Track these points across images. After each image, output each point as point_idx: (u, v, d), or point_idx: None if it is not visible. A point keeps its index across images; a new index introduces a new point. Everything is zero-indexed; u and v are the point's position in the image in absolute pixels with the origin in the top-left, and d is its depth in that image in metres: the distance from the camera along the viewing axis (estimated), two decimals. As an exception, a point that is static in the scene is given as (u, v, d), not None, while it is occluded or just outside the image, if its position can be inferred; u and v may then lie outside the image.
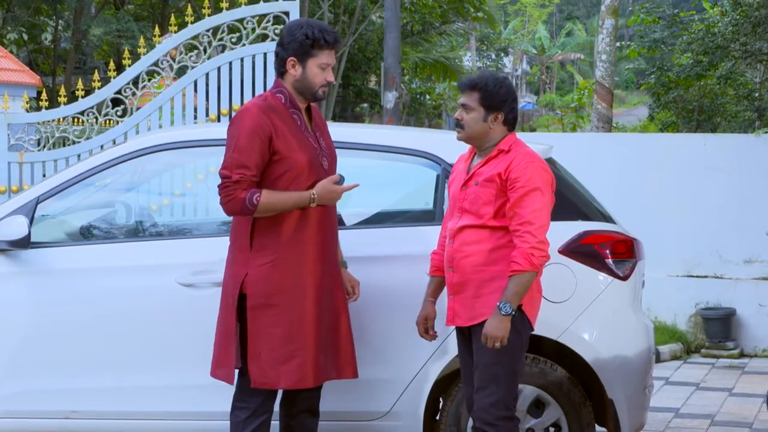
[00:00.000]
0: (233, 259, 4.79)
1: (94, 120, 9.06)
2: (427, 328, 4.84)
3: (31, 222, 5.24)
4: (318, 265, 4.74)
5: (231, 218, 5.41)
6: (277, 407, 4.87)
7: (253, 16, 9.00)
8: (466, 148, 4.86)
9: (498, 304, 4.46)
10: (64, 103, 9.15)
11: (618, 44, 18.10)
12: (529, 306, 4.59)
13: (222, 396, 4.99)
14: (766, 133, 11.42)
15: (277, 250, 4.69)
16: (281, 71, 4.79)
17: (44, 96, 9.38)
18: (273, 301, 4.68)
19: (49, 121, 9.40)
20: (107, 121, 10.21)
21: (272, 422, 4.84)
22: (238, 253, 4.76)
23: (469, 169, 4.73)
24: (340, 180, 4.73)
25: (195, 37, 9.03)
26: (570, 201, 5.27)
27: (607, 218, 5.43)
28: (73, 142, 9.12)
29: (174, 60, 8.99)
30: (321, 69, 4.74)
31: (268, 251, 4.69)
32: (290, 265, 4.70)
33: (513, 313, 4.46)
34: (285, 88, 4.78)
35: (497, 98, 4.63)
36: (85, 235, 5.62)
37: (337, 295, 4.86)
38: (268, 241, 4.70)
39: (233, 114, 8.85)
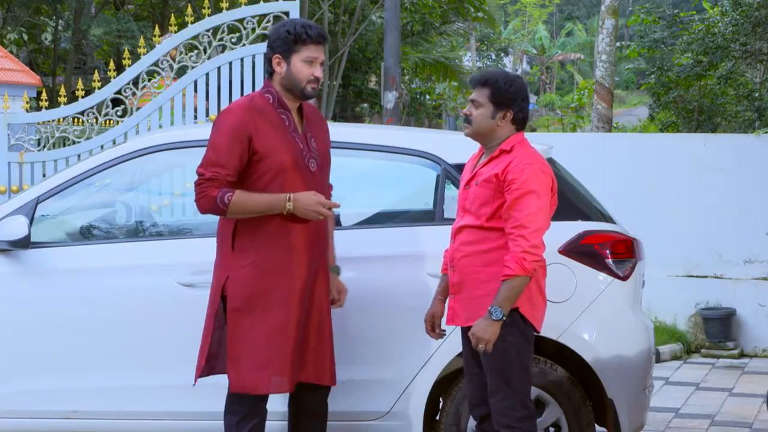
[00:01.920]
0: (218, 261, 4.78)
1: (94, 120, 9.07)
2: (433, 326, 4.81)
3: (31, 222, 5.24)
4: (300, 269, 4.69)
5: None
6: (284, 407, 4.89)
7: (253, 16, 9.00)
8: (465, 147, 4.84)
9: (489, 308, 4.43)
10: (64, 103, 9.15)
11: (618, 44, 18.08)
12: (529, 308, 4.55)
13: (221, 396, 4.99)
14: (766, 133, 11.42)
15: (258, 252, 4.66)
16: (270, 71, 4.77)
17: (44, 96, 9.38)
18: (252, 304, 4.65)
19: (49, 121, 9.40)
20: (107, 121, 10.21)
21: (278, 422, 4.85)
22: (222, 256, 4.75)
23: (474, 168, 4.71)
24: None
25: (195, 37, 9.03)
26: (570, 201, 5.26)
27: (607, 218, 5.43)
28: (73, 142, 9.12)
29: (174, 60, 8.99)
30: (306, 64, 4.69)
31: (248, 253, 4.67)
32: (270, 268, 4.66)
33: (504, 318, 4.42)
34: (273, 88, 4.75)
35: (507, 96, 4.58)
36: (85, 235, 5.62)
37: (323, 301, 4.81)
38: (248, 243, 4.67)
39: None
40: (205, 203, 4.62)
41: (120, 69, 9.15)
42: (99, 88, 9.10)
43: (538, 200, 4.47)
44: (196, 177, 4.65)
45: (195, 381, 4.78)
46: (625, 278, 5.24)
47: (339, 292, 4.94)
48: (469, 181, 4.68)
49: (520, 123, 4.65)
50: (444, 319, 4.80)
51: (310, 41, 4.69)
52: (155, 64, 8.99)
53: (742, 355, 10.63)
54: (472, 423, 5.01)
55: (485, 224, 4.55)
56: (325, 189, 4.83)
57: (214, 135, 4.64)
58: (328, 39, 4.81)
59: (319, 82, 4.74)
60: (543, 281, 4.64)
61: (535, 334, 4.66)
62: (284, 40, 4.69)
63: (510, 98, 4.58)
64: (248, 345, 4.65)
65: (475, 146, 4.79)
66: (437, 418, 5.41)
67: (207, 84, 8.98)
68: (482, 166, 4.64)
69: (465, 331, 4.71)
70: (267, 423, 4.79)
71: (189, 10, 9.45)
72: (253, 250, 4.67)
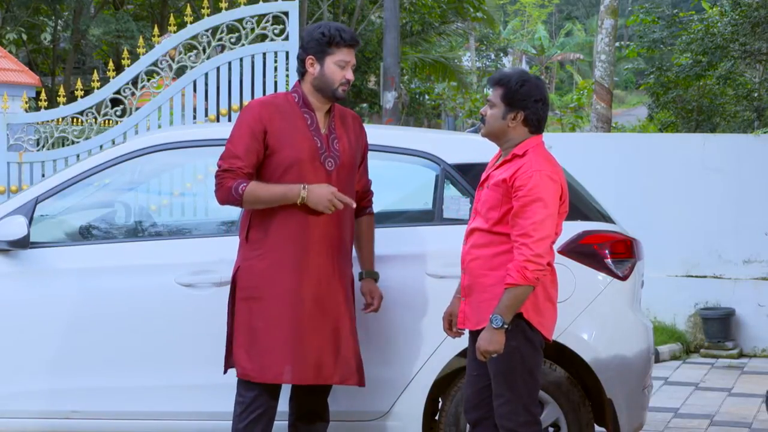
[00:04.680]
0: (237, 252, 4.88)
1: (93, 120, 9.06)
2: (451, 325, 4.76)
3: (30, 222, 5.24)
4: (309, 264, 4.75)
5: (230, 218, 5.42)
6: (284, 407, 4.92)
7: (252, 16, 8.99)
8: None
9: (490, 316, 4.39)
10: (63, 104, 9.15)
11: (617, 44, 18.09)
12: (534, 315, 4.48)
13: (221, 396, 5.00)
14: (765, 133, 11.43)
15: (264, 244, 4.76)
16: (302, 72, 4.86)
17: (43, 96, 9.36)
18: (256, 294, 4.75)
19: (48, 121, 9.40)
20: (106, 121, 10.21)
21: (279, 422, 4.87)
22: (239, 247, 4.87)
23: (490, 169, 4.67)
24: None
25: (194, 37, 9.03)
26: (569, 201, 5.24)
27: (607, 218, 5.42)
28: (72, 142, 9.11)
29: (173, 60, 8.99)
30: (339, 67, 4.80)
31: (257, 245, 4.78)
32: (277, 260, 4.74)
33: (505, 326, 4.37)
34: (300, 88, 4.86)
35: (517, 96, 4.48)
36: (85, 235, 5.62)
37: (339, 301, 4.83)
38: (258, 236, 4.78)
39: (233, 114, 8.89)
40: (222, 194, 4.75)
41: (119, 69, 9.15)
42: (98, 88, 9.09)
43: (545, 208, 4.39)
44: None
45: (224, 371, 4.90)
46: (624, 278, 5.23)
47: (373, 297, 4.97)
48: (482, 182, 4.64)
49: (534, 125, 4.53)
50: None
51: (344, 44, 4.80)
52: (154, 64, 8.98)
53: (741, 355, 10.64)
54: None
55: (492, 228, 4.50)
56: (347, 189, 4.84)
57: (234, 129, 4.81)
58: (360, 43, 4.91)
59: (350, 84, 4.84)
60: (552, 289, 4.57)
61: (544, 338, 4.57)
62: (318, 42, 4.79)
63: (520, 99, 4.49)
64: (250, 333, 4.74)
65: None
66: (436, 418, 5.41)
67: (206, 84, 8.97)
68: (495, 168, 4.58)
69: (473, 334, 4.65)
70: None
71: (188, 10, 9.44)
72: (260, 242, 4.77)
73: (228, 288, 4.95)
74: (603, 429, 5.40)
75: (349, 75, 4.83)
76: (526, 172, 4.42)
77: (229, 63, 8.99)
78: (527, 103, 4.50)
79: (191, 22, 9.01)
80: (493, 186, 4.52)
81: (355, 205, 4.77)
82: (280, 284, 4.74)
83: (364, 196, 5.06)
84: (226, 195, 4.72)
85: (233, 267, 4.86)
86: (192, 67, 8.96)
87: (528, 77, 4.55)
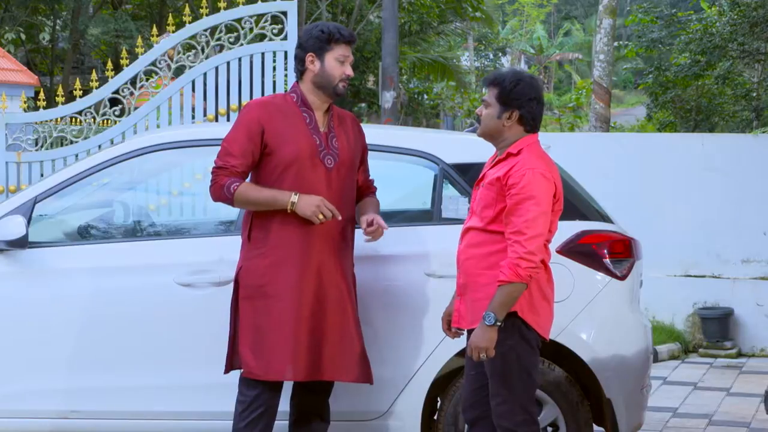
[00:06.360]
0: (240, 252, 4.90)
1: (92, 120, 9.04)
2: (450, 325, 4.76)
3: (28, 222, 5.24)
4: (310, 263, 4.77)
5: (229, 218, 5.42)
6: (285, 407, 4.92)
7: (251, 16, 8.98)
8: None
9: (483, 314, 4.40)
10: (62, 103, 9.13)
11: (616, 44, 18.10)
12: (530, 314, 4.48)
13: (221, 396, 5.00)
14: (763, 132, 11.44)
15: (266, 243, 4.79)
16: (301, 71, 4.89)
17: (42, 96, 9.34)
18: (258, 293, 4.77)
19: (46, 121, 9.38)
20: (105, 121, 10.19)
21: (279, 422, 4.88)
22: (241, 247, 4.89)
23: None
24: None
25: (193, 37, 9.02)
26: (568, 201, 5.24)
27: (605, 218, 5.43)
28: (71, 142, 9.10)
29: (172, 60, 8.98)
30: (339, 62, 4.85)
31: (258, 244, 4.81)
32: (279, 259, 4.76)
33: (498, 323, 4.37)
34: (299, 88, 4.90)
35: (512, 95, 4.50)
36: (83, 234, 5.62)
37: (339, 297, 4.84)
38: (259, 235, 4.81)
39: (232, 114, 8.89)
40: (214, 191, 4.81)
41: (118, 69, 9.14)
42: (97, 88, 9.07)
43: (537, 206, 4.40)
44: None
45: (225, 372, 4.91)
46: (623, 278, 5.24)
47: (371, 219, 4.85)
48: (478, 182, 4.65)
49: (530, 124, 4.54)
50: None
51: (343, 40, 4.86)
52: (153, 63, 8.97)
53: (739, 354, 10.65)
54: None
55: (487, 227, 4.51)
56: (347, 188, 4.88)
57: (231, 128, 4.86)
58: (356, 41, 4.94)
59: (349, 80, 4.89)
60: (548, 288, 4.57)
61: (541, 337, 4.57)
62: (318, 39, 4.85)
63: (514, 98, 4.50)
64: (255, 332, 4.75)
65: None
66: (435, 417, 5.41)
67: (205, 84, 8.97)
68: (491, 167, 4.59)
69: (470, 333, 4.63)
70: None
71: (187, 9, 9.43)
72: (262, 241, 4.80)
73: (227, 288, 4.96)
74: (602, 429, 5.41)
75: (349, 71, 4.88)
76: (519, 170, 4.44)
77: (228, 63, 8.97)
78: (522, 102, 4.52)
79: (190, 22, 9.00)
80: (487, 185, 4.54)
81: (340, 218, 4.77)
82: (282, 282, 4.75)
83: (366, 188, 5.08)
84: (218, 192, 4.79)
85: (236, 267, 4.88)
86: (191, 67, 8.95)
87: (522, 76, 4.56)
